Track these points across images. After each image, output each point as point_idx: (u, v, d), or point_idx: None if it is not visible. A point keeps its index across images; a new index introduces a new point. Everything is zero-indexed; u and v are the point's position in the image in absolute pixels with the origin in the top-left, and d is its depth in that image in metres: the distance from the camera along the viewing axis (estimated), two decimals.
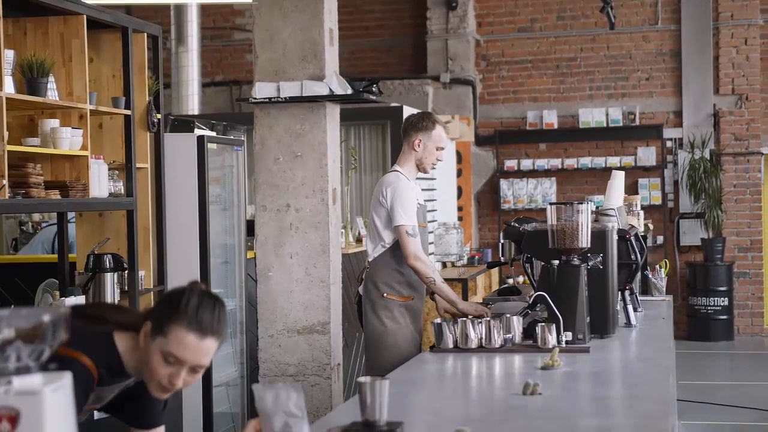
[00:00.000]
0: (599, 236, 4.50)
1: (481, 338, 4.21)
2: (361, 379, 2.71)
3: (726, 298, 12.04)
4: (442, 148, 5.28)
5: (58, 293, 5.47)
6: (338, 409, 3.13)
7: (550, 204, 4.43)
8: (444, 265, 10.24)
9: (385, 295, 5.15)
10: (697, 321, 12.11)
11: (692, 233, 12.37)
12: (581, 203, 4.39)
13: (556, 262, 4.36)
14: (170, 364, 2.47)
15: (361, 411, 2.69)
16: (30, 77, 4.86)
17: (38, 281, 5.93)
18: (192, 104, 10.41)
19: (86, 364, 2.49)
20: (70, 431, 1.79)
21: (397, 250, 5.13)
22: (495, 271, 11.14)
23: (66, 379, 1.80)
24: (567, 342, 4.19)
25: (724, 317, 12.06)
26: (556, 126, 12.66)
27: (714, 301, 12.02)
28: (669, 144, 12.52)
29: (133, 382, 2.68)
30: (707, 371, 10.47)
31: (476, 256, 11.00)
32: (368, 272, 5.25)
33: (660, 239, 12.33)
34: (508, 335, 4.24)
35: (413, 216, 5.11)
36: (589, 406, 3.25)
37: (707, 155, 12.15)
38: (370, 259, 5.25)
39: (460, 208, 12.24)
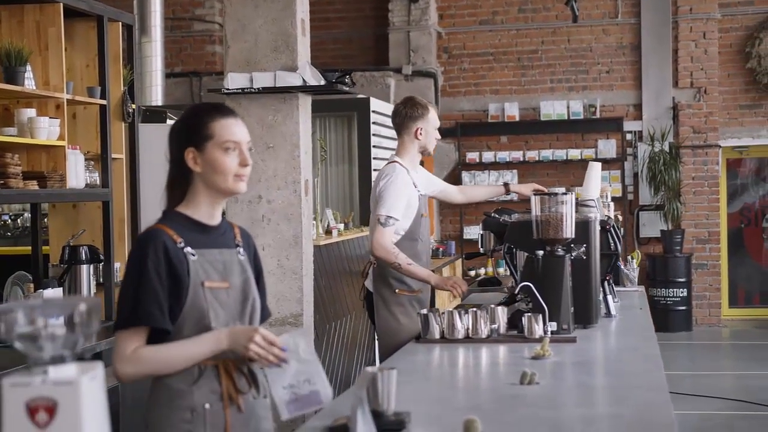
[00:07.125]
0: (582, 227, 4.52)
1: (468, 329, 4.22)
2: (369, 368, 2.71)
3: (685, 289, 12.19)
4: (438, 126, 5.42)
5: (32, 285, 5.39)
6: (341, 397, 3.12)
7: (534, 194, 4.43)
8: None
9: (397, 291, 5.10)
10: (656, 312, 12.19)
11: (652, 225, 12.49)
12: (565, 194, 4.40)
13: (541, 252, 4.37)
14: (232, 150, 2.81)
15: (370, 401, 2.69)
16: (7, 65, 4.79)
17: (8, 274, 5.84)
18: (155, 95, 10.28)
19: (157, 226, 2.82)
20: (104, 420, 1.77)
21: (404, 242, 5.06)
22: (458, 262, 11.19)
23: (99, 368, 1.78)
24: (552, 332, 4.21)
25: (683, 308, 12.21)
26: (517, 118, 12.70)
27: (673, 292, 12.15)
28: (629, 137, 12.62)
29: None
30: (667, 361, 10.46)
31: (440, 248, 11.04)
32: (376, 267, 5.14)
33: (621, 231, 12.42)
34: (493, 326, 4.25)
35: (398, 208, 5.03)
36: (589, 395, 3.27)
37: (667, 148, 12.26)
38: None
39: None
